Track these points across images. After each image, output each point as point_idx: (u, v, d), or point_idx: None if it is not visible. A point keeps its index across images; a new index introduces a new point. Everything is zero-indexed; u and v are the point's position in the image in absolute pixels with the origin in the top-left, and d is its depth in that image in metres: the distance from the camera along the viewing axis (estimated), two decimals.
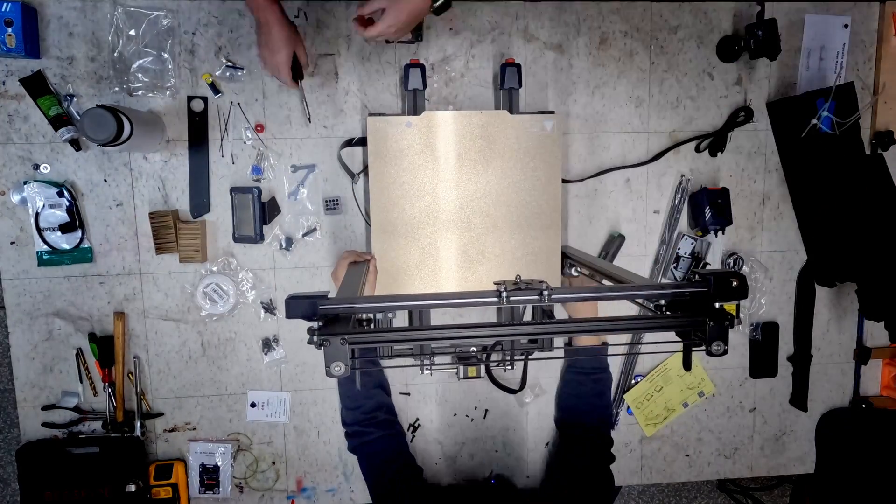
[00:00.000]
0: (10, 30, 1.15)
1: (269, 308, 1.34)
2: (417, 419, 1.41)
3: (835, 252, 1.39)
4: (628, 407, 1.45)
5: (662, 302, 0.82)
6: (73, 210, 1.25)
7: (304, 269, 1.34)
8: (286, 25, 1.13)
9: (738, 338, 1.46)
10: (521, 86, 1.23)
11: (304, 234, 1.33)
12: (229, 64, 1.26)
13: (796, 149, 1.37)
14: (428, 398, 1.41)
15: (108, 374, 1.29)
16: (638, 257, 1.42)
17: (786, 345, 1.48)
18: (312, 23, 1.28)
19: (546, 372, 1.42)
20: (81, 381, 1.31)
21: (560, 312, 1.37)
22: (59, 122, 1.21)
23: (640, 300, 0.91)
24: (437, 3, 1.06)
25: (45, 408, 1.30)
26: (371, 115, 1.20)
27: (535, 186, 1.23)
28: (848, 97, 1.31)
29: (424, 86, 1.22)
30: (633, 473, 1.49)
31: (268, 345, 1.34)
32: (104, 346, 1.28)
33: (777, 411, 1.51)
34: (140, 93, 1.25)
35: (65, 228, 1.25)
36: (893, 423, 1.47)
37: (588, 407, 1.34)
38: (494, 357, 1.36)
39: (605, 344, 1.37)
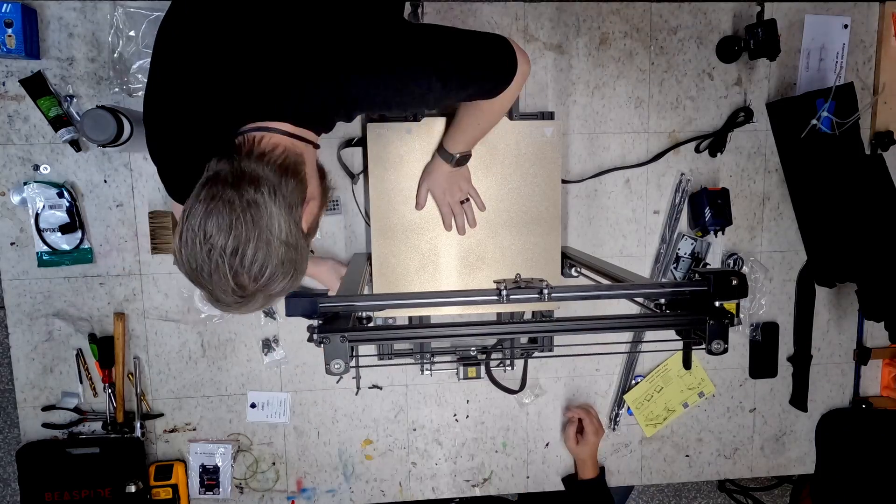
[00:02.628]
0: (10, 31, 1.15)
1: (268, 312, 1.34)
2: (418, 419, 1.41)
3: (835, 252, 1.39)
4: (628, 407, 1.45)
5: (662, 301, 0.82)
6: (73, 211, 1.25)
7: None
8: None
9: (738, 338, 1.46)
10: None
11: None
12: None
13: (796, 149, 1.38)
14: (428, 398, 1.41)
15: (108, 375, 1.29)
16: (638, 257, 1.42)
17: (786, 345, 1.48)
18: None
19: (546, 372, 1.42)
20: (81, 382, 1.31)
21: (559, 313, 1.37)
22: (59, 122, 1.21)
23: (640, 299, 0.91)
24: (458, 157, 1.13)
25: (46, 408, 1.30)
26: (371, 121, 1.20)
27: (535, 192, 1.23)
28: (847, 97, 1.31)
29: None
30: (633, 473, 1.49)
31: (268, 345, 1.34)
32: (104, 347, 1.28)
33: (777, 411, 1.51)
34: (140, 93, 1.24)
35: (65, 229, 1.25)
36: (893, 423, 1.47)
37: None
38: (494, 357, 1.36)
39: (603, 469, 1.41)
